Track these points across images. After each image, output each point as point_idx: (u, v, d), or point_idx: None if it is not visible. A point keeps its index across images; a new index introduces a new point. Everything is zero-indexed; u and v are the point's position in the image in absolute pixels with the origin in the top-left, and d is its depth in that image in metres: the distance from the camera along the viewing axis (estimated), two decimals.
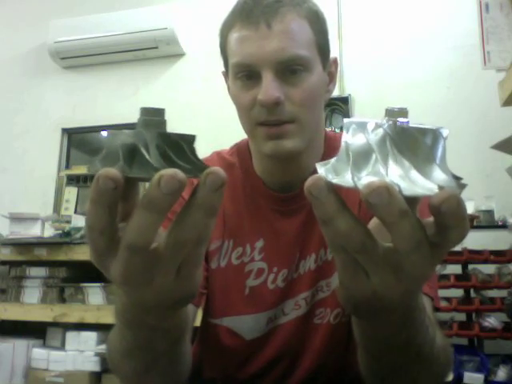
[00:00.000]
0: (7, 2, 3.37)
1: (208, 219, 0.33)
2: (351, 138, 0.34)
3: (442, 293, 1.92)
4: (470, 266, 1.98)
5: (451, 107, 2.46)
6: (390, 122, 0.33)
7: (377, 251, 0.33)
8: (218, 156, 0.85)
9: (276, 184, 0.79)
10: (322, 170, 0.33)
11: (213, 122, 2.77)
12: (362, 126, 0.34)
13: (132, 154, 0.32)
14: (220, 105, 2.66)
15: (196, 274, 0.37)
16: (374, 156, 0.32)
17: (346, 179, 0.32)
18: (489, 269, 1.97)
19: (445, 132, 0.34)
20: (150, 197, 0.30)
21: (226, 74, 0.79)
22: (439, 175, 0.32)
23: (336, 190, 0.32)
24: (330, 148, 0.80)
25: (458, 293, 1.97)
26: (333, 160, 0.33)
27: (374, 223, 0.39)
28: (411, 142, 0.33)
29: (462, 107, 2.46)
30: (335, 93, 2.84)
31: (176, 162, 0.33)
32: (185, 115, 2.88)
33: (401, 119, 0.34)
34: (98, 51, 3.00)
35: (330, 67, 0.77)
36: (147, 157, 0.32)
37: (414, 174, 0.32)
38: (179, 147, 0.34)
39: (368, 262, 0.34)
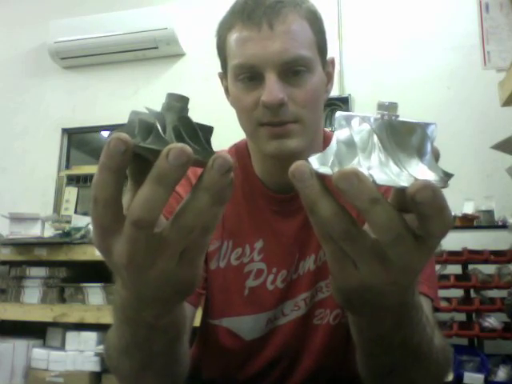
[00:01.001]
0: (7, 2, 3.37)
1: (215, 207, 0.33)
2: (339, 131, 0.35)
3: (442, 293, 1.91)
4: (470, 266, 1.98)
5: (451, 107, 2.46)
6: (379, 116, 0.34)
7: (362, 240, 0.33)
8: None
9: (275, 185, 0.79)
10: (311, 158, 0.34)
11: (213, 122, 2.74)
12: (350, 120, 0.35)
13: (148, 130, 0.33)
14: (220, 105, 2.66)
15: (199, 262, 0.37)
16: (357, 149, 0.34)
17: (326, 168, 0.33)
18: (489, 269, 1.97)
19: (432, 126, 0.34)
20: (158, 169, 0.31)
21: (223, 76, 0.79)
22: (421, 168, 0.33)
23: (320, 177, 0.33)
24: None
25: (458, 293, 1.96)
26: (323, 152, 0.35)
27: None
28: (398, 135, 0.34)
29: (462, 107, 2.46)
30: (335, 93, 2.83)
31: (188, 142, 0.34)
32: None
33: (391, 113, 0.34)
34: (98, 51, 3.00)
35: (327, 67, 0.77)
36: (161, 133, 0.33)
37: (395, 166, 0.33)
38: (195, 133, 0.35)
39: (354, 251, 0.34)
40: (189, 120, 0.35)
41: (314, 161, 0.34)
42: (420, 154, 0.33)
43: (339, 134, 0.34)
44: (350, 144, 0.34)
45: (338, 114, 0.35)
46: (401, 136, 0.34)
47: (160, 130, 0.33)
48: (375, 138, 0.34)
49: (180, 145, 0.31)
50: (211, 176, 0.32)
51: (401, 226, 0.32)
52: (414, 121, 0.34)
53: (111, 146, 0.31)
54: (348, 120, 0.35)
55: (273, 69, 0.67)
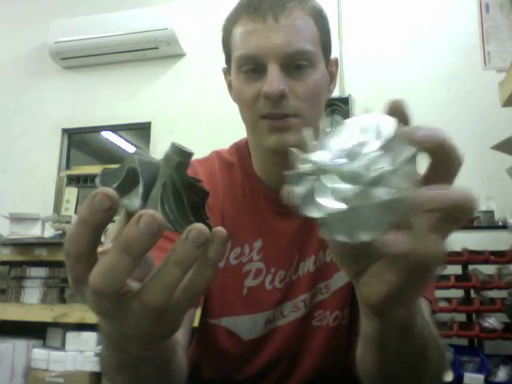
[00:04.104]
0: (7, 2, 3.37)
1: (207, 269, 0.32)
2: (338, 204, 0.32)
3: (443, 293, 1.92)
4: (471, 267, 1.98)
5: (451, 108, 2.45)
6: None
7: None
8: (218, 155, 0.84)
9: (275, 184, 0.79)
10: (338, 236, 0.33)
11: (213, 122, 2.76)
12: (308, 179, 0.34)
13: (134, 183, 0.31)
14: (220, 105, 2.66)
15: (179, 320, 0.35)
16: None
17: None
18: (489, 269, 1.97)
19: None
20: (126, 235, 0.29)
21: (227, 71, 0.79)
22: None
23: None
24: None
25: (458, 293, 1.96)
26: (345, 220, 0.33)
27: None
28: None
29: (462, 108, 2.46)
30: (335, 93, 2.83)
31: (164, 208, 0.32)
32: (185, 115, 2.88)
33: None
34: (99, 51, 3.00)
35: (331, 67, 0.78)
36: (140, 193, 0.31)
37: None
38: (178, 197, 0.33)
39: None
40: (174, 182, 0.33)
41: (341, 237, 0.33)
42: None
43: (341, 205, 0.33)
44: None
45: (289, 173, 0.36)
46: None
47: (140, 190, 0.31)
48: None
49: (151, 211, 0.29)
50: (184, 249, 0.30)
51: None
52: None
53: (96, 201, 0.29)
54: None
55: (275, 61, 0.68)
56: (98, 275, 0.29)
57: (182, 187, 0.33)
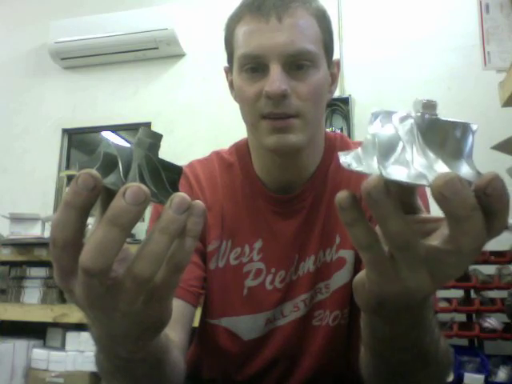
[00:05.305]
0: (7, 2, 3.37)
1: (188, 241, 0.32)
2: (379, 128, 0.33)
3: (443, 293, 1.91)
4: (470, 267, 1.98)
5: (451, 108, 2.45)
6: (419, 114, 0.33)
7: (419, 249, 0.32)
8: (217, 156, 0.84)
9: (275, 184, 0.79)
10: (346, 158, 0.32)
11: (213, 122, 2.76)
12: (389, 117, 0.33)
13: (111, 165, 0.33)
14: (220, 105, 2.67)
15: (168, 300, 0.36)
16: (400, 146, 0.32)
17: (371, 167, 0.31)
18: (489, 269, 1.97)
19: (474, 127, 0.33)
20: (113, 209, 0.29)
21: (228, 70, 0.79)
22: (466, 170, 0.31)
23: (391, 192, 0.30)
24: (330, 149, 0.80)
25: (458, 293, 1.96)
26: (358, 149, 0.33)
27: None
28: (440, 134, 0.32)
29: (462, 108, 2.45)
30: (335, 93, 2.84)
31: (147, 183, 0.33)
32: (185, 115, 2.88)
33: (429, 112, 0.33)
34: (99, 52, 3.01)
35: (332, 68, 0.78)
36: (121, 172, 0.32)
37: (441, 165, 0.31)
38: (157, 174, 0.34)
39: (407, 260, 0.32)
40: (152, 160, 0.34)
41: (348, 159, 0.32)
42: (462, 154, 0.32)
43: (378, 131, 0.32)
44: (391, 142, 0.32)
45: (375, 110, 0.34)
46: (442, 134, 0.32)
47: (121, 169, 0.32)
48: (417, 136, 0.32)
49: (137, 184, 0.30)
50: (169, 216, 0.31)
51: (485, 234, 0.30)
52: (456, 120, 0.33)
53: (79, 182, 0.30)
54: (389, 117, 0.33)
55: (278, 60, 0.68)
56: (89, 252, 0.30)
57: (158, 165, 0.34)
